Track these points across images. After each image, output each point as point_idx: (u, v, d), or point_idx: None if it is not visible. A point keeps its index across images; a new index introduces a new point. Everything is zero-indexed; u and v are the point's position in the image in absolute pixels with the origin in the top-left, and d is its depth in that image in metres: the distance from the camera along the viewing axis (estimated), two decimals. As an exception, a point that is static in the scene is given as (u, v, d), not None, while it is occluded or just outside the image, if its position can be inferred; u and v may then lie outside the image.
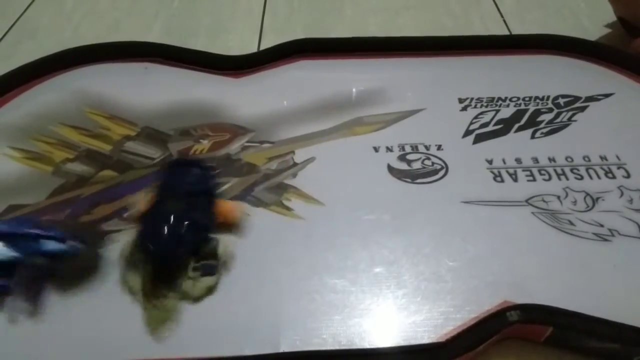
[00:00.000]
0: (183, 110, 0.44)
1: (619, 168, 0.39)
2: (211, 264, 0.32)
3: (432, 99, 0.45)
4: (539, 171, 0.39)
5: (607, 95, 0.45)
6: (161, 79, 0.47)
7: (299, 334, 0.30)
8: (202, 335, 0.30)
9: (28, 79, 0.46)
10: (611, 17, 0.54)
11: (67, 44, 0.49)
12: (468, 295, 0.31)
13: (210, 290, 0.31)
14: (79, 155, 0.40)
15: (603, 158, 0.40)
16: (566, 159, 0.40)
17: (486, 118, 0.43)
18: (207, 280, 0.31)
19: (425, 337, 0.30)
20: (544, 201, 0.37)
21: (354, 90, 0.46)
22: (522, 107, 0.44)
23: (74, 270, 0.31)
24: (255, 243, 0.34)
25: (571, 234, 0.35)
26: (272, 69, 0.48)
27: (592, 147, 0.41)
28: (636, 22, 0.51)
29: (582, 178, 0.38)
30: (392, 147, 0.41)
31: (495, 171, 0.39)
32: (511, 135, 0.42)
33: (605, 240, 0.34)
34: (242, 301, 0.31)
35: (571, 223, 0.35)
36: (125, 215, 0.36)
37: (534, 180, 0.38)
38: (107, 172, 0.39)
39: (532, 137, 0.42)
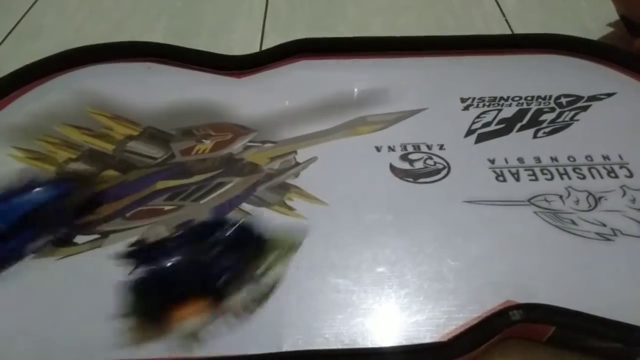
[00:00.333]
0: (185, 110, 0.44)
1: (621, 167, 0.39)
2: None
3: (434, 98, 0.45)
4: (541, 171, 0.39)
5: (609, 95, 0.45)
6: (164, 79, 0.47)
7: (302, 333, 0.30)
8: (205, 335, 0.30)
9: (31, 79, 0.46)
10: (613, 16, 0.54)
11: (70, 44, 0.49)
12: (470, 295, 0.31)
13: None
14: (82, 155, 0.40)
15: (605, 157, 0.40)
16: (568, 158, 0.40)
17: (488, 117, 0.43)
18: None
19: (427, 336, 0.30)
20: (546, 201, 0.37)
21: (355, 90, 0.46)
22: (525, 106, 0.44)
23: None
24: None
25: (574, 234, 0.35)
26: (274, 68, 0.48)
27: (595, 146, 0.41)
28: (638, 21, 0.51)
29: (584, 177, 0.38)
30: (394, 146, 0.41)
31: (498, 171, 0.39)
32: (513, 134, 0.42)
33: (608, 239, 0.34)
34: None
35: (574, 222, 0.35)
36: (128, 214, 0.36)
37: (536, 179, 0.38)
38: (110, 172, 0.39)
39: (535, 136, 0.42)
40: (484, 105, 0.44)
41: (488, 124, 0.43)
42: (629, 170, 0.39)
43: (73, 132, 0.42)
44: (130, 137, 0.42)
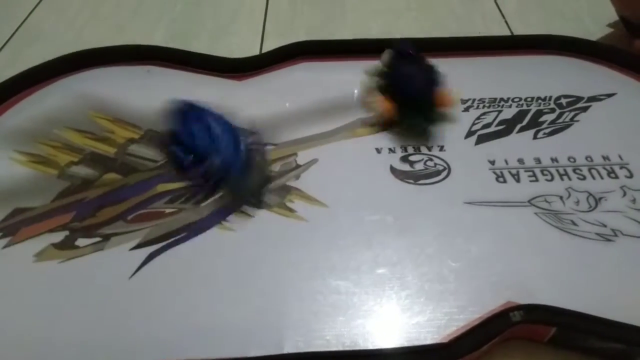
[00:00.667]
0: (186, 113, 0.44)
1: (621, 168, 0.39)
2: None
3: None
4: (542, 171, 0.39)
5: (609, 95, 0.45)
6: (164, 82, 0.47)
7: (303, 335, 0.30)
8: (206, 337, 0.30)
9: (32, 82, 0.46)
10: (613, 16, 0.54)
11: (71, 48, 0.49)
12: (471, 296, 0.31)
13: None
14: (84, 158, 0.40)
15: (605, 158, 0.40)
16: (568, 159, 0.40)
17: (488, 119, 0.43)
18: None
19: (428, 337, 0.30)
20: (546, 201, 0.37)
21: (356, 91, 0.46)
22: (525, 107, 0.44)
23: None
24: (259, 245, 0.34)
25: (574, 234, 0.35)
26: (274, 71, 0.48)
27: (595, 147, 0.41)
28: (638, 22, 0.51)
29: (584, 178, 0.38)
30: (394, 148, 0.41)
31: (498, 172, 0.39)
32: (513, 135, 0.42)
33: (609, 240, 0.34)
34: (245, 302, 0.31)
35: (574, 223, 0.35)
36: (129, 217, 0.36)
37: (537, 180, 0.38)
38: (112, 175, 0.39)
39: (535, 137, 0.42)
40: (484, 107, 0.44)
41: (488, 125, 0.43)
42: (629, 170, 0.39)
43: (75, 135, 0.42)
44: (131, 140, 0.42)
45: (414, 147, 0.41)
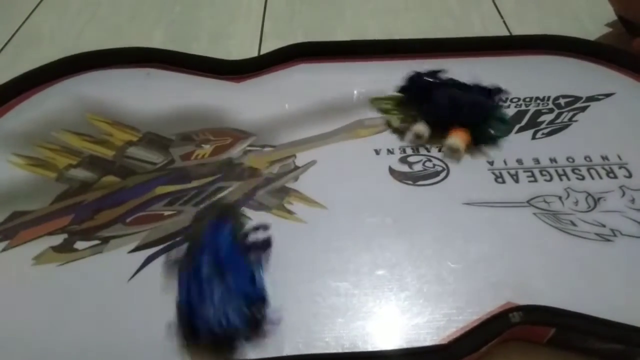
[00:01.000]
0: (184, 115, 0.44)
1: (620, 168, 0.39)
2: None
3: (432, 100, 0.45)
4: (540, 172, 0.39)
5: (607, 95, 0.45)
6: (163, 85, 0.47)
7: (302, 337, 0.30)
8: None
9: (31, 85, 0.46)
10: (611, 16, 0.54)
11: (70, 50, 0.49)
12: (470, 297, 0.31)
13: None
14: (82, 161, 0.40)
15: (604, 158, 0.40)
16: (567, 159, 0.40)
17: (487, 119, 0.43)
18: None
19: (427, 339, 0.30)
20: (545, 202, 0.37)
21: (354, 93, 0.46)
22: (523, 107, 0.44)
23: None
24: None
25: (573, 235, 0.35)
26: (272, 72, 0.48)
27: (594, 147, 0.41)
28: (637, 21, 0.51)
29: (583, 178, 0.38)
30: (393, 149, 0.41)
31: (497, 172, 0.39)
32: (512, 136, 0.42)
33: (608, 240, 0.34)
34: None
35: (573, 223, 0.35)
36: (128, 220, 0.36)
37: (535, 181, 0.38)
38: (110, 178, 0.39)
39: (533, 137, 0.42)
40: (482, 107, 0.44)
41: (487, 126, 0.43)
42: (627, 170, 0.39)
43: (73, 138, 0.42)
44: (130, 143, 0.42)
45: (412, 149, 0.41)
